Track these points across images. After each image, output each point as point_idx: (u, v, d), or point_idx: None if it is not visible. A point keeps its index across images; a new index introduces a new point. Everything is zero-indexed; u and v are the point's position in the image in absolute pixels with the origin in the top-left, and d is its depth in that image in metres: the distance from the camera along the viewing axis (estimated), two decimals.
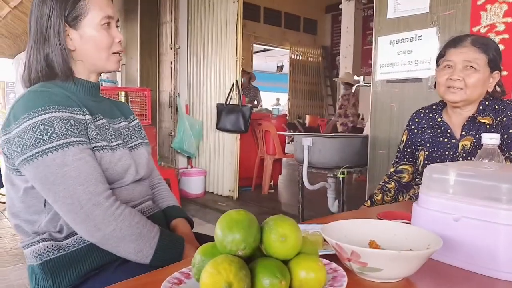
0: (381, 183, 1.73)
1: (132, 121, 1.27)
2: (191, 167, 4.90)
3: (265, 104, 10.25)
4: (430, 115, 1.62)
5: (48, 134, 0.93)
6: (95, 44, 1.07)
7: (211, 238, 1.32)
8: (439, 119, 1.56)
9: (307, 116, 9.46)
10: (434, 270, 0.77)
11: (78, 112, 1.02)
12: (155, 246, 0.99)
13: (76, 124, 0.99)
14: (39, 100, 0.96)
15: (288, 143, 6.90)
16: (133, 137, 1.21)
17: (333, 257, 0.74)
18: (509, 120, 1.43)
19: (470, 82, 1.41)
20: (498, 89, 1.52)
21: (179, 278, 0.65)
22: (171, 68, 4.86)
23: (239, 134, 4.43)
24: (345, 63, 9.03)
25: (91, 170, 0.96)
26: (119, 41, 1.12)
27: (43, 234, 1.01)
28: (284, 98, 13.25)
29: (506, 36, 2.24)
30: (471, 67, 1.41)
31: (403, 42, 2.65)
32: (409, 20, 2.62)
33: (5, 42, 5.38)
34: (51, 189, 0.93)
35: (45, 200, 0.99)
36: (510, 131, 1.42)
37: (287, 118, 8.57)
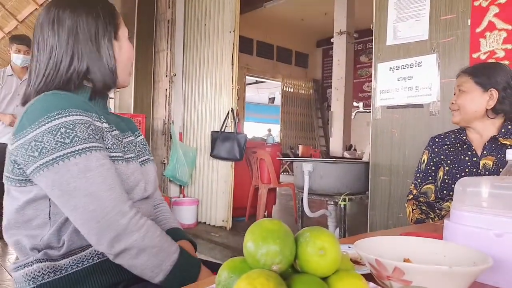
0: (413, 208, 1.67)
1: (138, 136, 1.22)
2: (183, 196, 4.78)
3: (257, 134, 10.23)
4: (453, 135, 1.71)
5: (70, 137, 0.86)
6: (129, 56, 1.08)
7: (215, 265, 1.24)
8: (464, 137, 1.65)
9: (300, 146, 9.45)
10: None
11: (96, 119, 0.96)
12: (174, 264, 0.91)
13: (96, 130, 0.93)
14: (58, 102, 0.90)
15: (282, 173, 6.83)
16: (140, 152, 1.15)
17: (366, 277, 0.66)
18: None
19: (459, 102, 1.62)
20: (507, 108, 1.58)
21: None
22: (166, 95, 4.82)
23: (233, 162, 4.35)
24: (337, 95, 9.12)
25: (114, 177, 0.90)
26: None
27: (39, 252, 0.91)
28: (275, 129, 13.29)
29: (507, 62, 2.24)
30: (460, 90, 1.63)
31: (403, 68, 2.65)
32: (409, 46, 2.63)
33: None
34: (72, 195, 0.85)
35: (49, 212, 0.91)
36: None
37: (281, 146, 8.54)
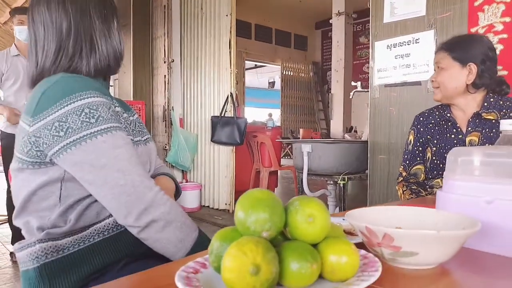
0: (403, 189, 1.67)
1: (135, 115, 1.22)
2: (186, 181, 4.81)
3: (258, 119, 10.21)
4: (437, 112, 1.67)
5: (95, 117, 0.88)
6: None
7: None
8: (448, 114, 1.62)
9: (301, 130, 9.44)
10: (469, 257, 0.71)
11: (111, 102, 0.97)
12: (194, 241, 0.95)
13: (114, 112, 0.96)
14: (78, 84, 0.91)
15: (283, 157, 6.83)
16: (141, 132, 1.16)
17: (358, 246, 0.68)
18: None
19: (439, 80, 1.58)
20: (487, 81, 1.53)
21: (194, 267, 0.58)
22: (165, 81, 4.81)
23: (234, 147, 4.37)
24: (337, 76, 9.06)
25: (137, 155, 0.94)
26: None
27: (43, 231, 0.93)
28: (276, 113, 13.27)
29: (505, 35, 2.23)
30: (438, 67, 1.59)
31: (401, 46, 2.64)
32: (406, 23, 2.61)
33: None
34: (102, 171, 0.87)
35: (60, 194, 0.93)
36: None
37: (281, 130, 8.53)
